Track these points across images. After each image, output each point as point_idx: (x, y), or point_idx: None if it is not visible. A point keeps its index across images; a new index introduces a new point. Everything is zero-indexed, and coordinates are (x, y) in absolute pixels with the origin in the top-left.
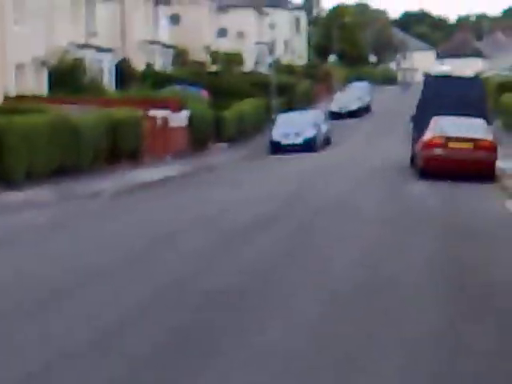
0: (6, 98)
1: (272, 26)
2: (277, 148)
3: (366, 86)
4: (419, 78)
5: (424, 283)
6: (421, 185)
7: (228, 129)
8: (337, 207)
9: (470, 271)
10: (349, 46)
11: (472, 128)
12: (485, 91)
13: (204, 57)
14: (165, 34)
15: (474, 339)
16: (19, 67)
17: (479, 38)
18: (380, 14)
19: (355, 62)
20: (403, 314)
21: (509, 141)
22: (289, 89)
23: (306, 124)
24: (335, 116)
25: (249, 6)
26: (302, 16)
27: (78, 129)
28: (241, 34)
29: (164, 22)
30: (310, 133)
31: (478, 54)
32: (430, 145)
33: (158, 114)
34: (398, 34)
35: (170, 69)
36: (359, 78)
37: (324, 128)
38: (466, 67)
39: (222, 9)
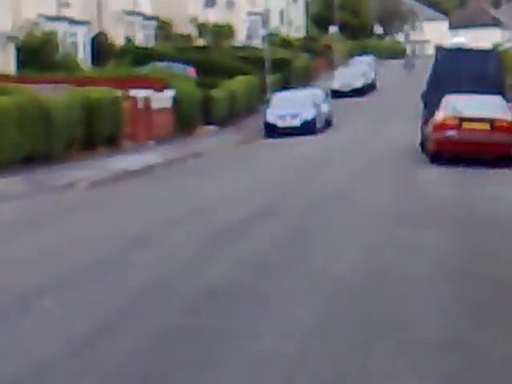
0: None
1: None
2: (272, 131)
3: (370, 61)
4: (430, 50)
5: (436, 286)
6: (432, 171)
7: (218, 110)
8: (339, 200)
9: (484, 270)
10: (351, 16)
11: (488, 107)
12: (503, 65)
13: (190, 29)
14: (146, 3)
15: (488, 345)
16: None
17: (497, 5)
18: None
19: (359, 34)
20: (408, 325)
21: None
22: (285, 65)
23: (304, 104)
24: (337, 94)
25: None
26: None
27: (49, 111)
28: (231, 4)
29: None
30: (308, 114)
31: (495, 23)
32: (442, 126)
33: (140, 94)
34: (407, 2)
35: (152, 43)
36: (363, 52)
37: (324, 108)
38: (482, 38)
39: None
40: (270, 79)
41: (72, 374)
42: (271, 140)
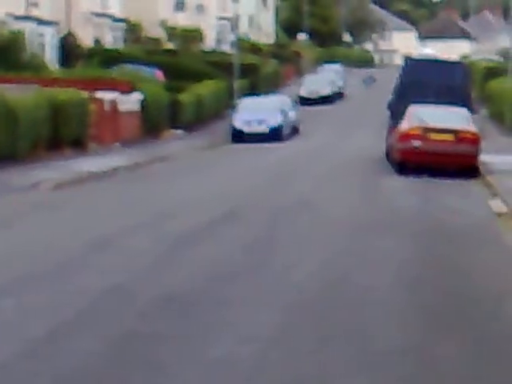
0: None
1: (236, 0)
2: (239, 136)
3: (339, 69)
4: (399, 60)
5: (393, 297)
6: (396, 181)
7: (185, 114)
8: (302, 206)
9: (443, 281)
10: (321, 24)
11: (453, 118)
12: (469, 77)
13: (159, 33)
14: (116, 5)
15: (444, 353)
16: None
17: (466, 17)
18: None
19: (328, 42)
20: (366, 331)
21: (493, 132)
22: (253, 70)
23: (271, 110)
24: (305, 101)
25: None
26: None
27: (15, 111)
28: (201, 8)
29: None
30: (275, 120)
31: (464, 35)
32: (407, 136)
33: (107, 96)
34: (376, 12)
35: (120, 45)
36: (332, 60)
37: (292, 115)
38: (451, 50)
39: None
40: (237, 84)
41: (27, 376)
42: (237, 145)
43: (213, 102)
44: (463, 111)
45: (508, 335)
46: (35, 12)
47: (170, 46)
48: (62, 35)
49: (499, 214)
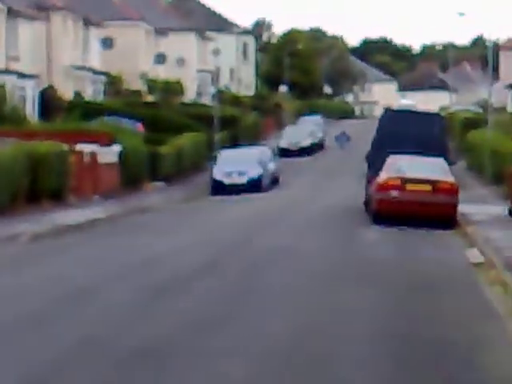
0: None
1: (216, 52)
2: (219, 188)
3: (319, 120)
4: (379, 112)
5: (367, 347)
6: (374, 231)
7: (165, 166)
8: (279, 259)
9: (417, 332)
10: (301, 76)
11: (431, 168)
12: (446, 128)
13: (140, 85)
14: (96, 59)
15: None
16: None
17: (445, 69)
18: (337, 41)
19: (308, 94)
20: None
21: (473, 183)
22: (234, 122)
23: (251, 162)
24: (285, 153)
25: (190, 29)
26: (250, 41)
27: None
28: (181, 61)
29: (95, 46)
30: (255, 172)
31: (443, 86)
32: (384, 186)
33: (86, 148)
34: (357, 64)
35: (101, 98)
36: (312, 111)
37: (271, 166)
38: (430, 101)
39: (161, 32)
40: (218, 136)
41: None
42: (217, 197)
43: (193, 154)
44: (441, 162)
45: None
46: (16, 66)
47: (151, 98)
48: (42, 88)
49: (476, 264)
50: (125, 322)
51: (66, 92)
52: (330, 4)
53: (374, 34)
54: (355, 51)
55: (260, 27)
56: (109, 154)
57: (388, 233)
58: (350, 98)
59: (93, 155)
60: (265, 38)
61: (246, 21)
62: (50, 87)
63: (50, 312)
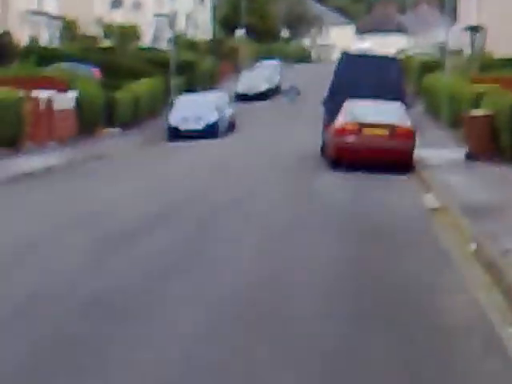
0: None
1: None
2: (175, 134)
3: (276, 65)
4: (337, 55)
5: (321, 292)
6: (330, 176)
7: (121, 112)
8: (232, 206)
9: (370, 276)
10: (259, 20)
11: (388, 113)
12: (402, 72)
13: (96, 30)
14: (51, 3)
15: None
16: None
17: (403, 11)
18: None
19: (265, 38)
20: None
21: (430, 127)
22: (190, 67)
23: (207, 107)
24: (241, 98)
25: None
26: None
27: None
28: (137, 5)
29: None
30: (211, 117)
31: (401, 29)
32: (341, 132)
33: (42, 94)
34: (314, 7)
35: (57, 43)
36: (269, 56)
37: (228, 112)
38: (388, 44)
39: None
40: (174, 82)
41: None
42: (173, 143)
43: (149, 100)
44: (398, 106)
45: (435, 328)
46: None
47: (107, 43)
48: None
49: (432, 209)
50: (77, 270)
51: (22, 37)
52: None
53: None
54: None
55: None
56: (65, 101)
57: (344, 179)
58: (307, 41)
59: (49, 102)
60: None
61: None
62: (5, 33)
63: (1, 261)
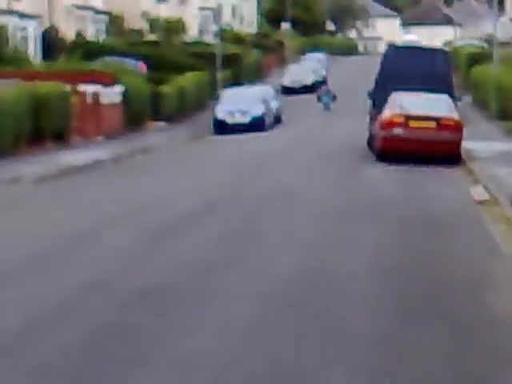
0: None
1: None
2: (221, 127)
3: (322, 58)
4: (383, 48)
5: (371, 284)
6: (377, 169)
7: (167, 106)
8: (283, 197)
9: (420, 269)
10: (304, 13)
11: (435, 105)
12: (450, 64)
13: (142, 24)
14: None
15: (421, 341)
16: None
17: (449, 3)
18: None
19: (311, 31)
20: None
21: (478, 118)
22: (236, 60)
23: (253, 101)
24: (287, 91)
25: None
26: None
27: None
28: None
29: None
30: (258, 110)
31: (448, 21)
32: (388, 124)
33: (89, 89)
34: None
35: (103, 38)
36: (315, 49)
37: (274, 105)
38: (434, 36)
39: None
40: (220, 75)
41: (2, 369)
42: (220, 136)
43: (195, 93)
44: (445, 98)
45: (483, 322)
46: (17, 6)
47: (153, 37)
48: (44, 28)
49: (480, 202)
50: (126, 263)
51: (68, 32)
52: None
53: None
54: None
55: None
56: (111, 95)
57: (392, 170)
58: (353, 34)
59: (95, 96)
60: None
61: None
62: (52, 27)
63: (51, 255)
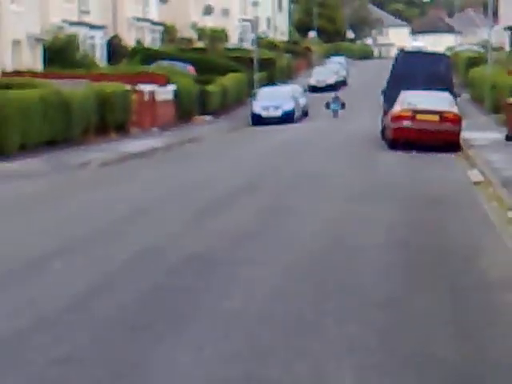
0: (4, 73)
1: (255, 4)
2: (257, 120)
3: (343, 61)
4: (394, 52)
5: (382, 248)
6: (389, 155)
7: (212, 102)
8: (311, 178)
9: (424, 239)
10: (328, 23)
11: (438, 101)
12: (451, 66)
13: (191, 33)
14: (154, 11)
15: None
16: (15, 44)
17: (451, 14)
18: None
19: (334, 38)
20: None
21: (475, 112)
22: (270, 64)
23: (285, 97)
24: (314, 89)
25: None
26: None
27: (69, 102)
28: (226, 12)
29: (153, 0)
30: (288, 106)
31: (450, 29)
32: (398, 117)
33: (146, 88)
34: (375, 11)
35: (158, 45)
36: (337, 53)
37: (302, 101)
38: (438, 43)
39: None
40: (257, 76)
41: (68, 325)
42: (256, 127)
43: (236, 92)
44: (447, 95)
45: (478, 283)
46: (87, 18)
47: (200, 44)
48: (109, 37)
49: (476, 183)
50: (177, 233)
51: (129, 40)
52: None
53: None
54: (373, 0)
55: None
56: (165, 93)
57: (401, 156)
58: (369, 41)
59: (151, 94)
60: None
61: None
62: (116, 36)
63: (113, 226)
